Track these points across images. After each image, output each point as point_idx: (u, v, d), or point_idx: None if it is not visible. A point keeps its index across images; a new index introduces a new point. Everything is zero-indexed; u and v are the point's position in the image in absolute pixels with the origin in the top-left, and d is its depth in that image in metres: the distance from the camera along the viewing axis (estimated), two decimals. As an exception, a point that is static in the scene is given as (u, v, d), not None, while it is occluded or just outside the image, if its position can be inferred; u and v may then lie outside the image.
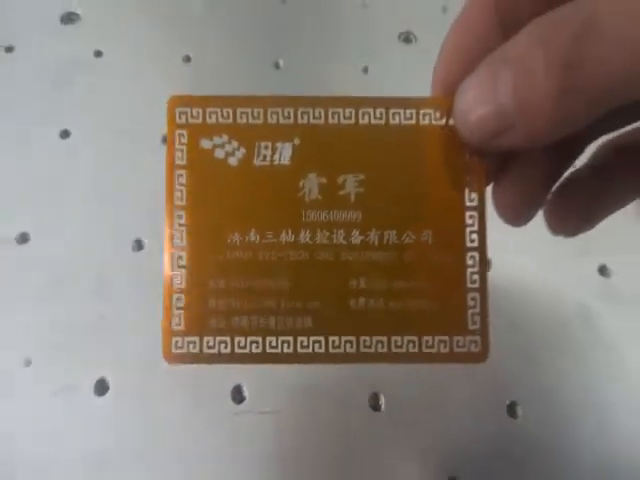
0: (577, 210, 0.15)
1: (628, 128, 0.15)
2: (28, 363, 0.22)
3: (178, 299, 0.13)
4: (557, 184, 0.15)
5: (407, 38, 0.30)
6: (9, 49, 0.28)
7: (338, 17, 0.30)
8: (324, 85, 0.26)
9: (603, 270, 0.25)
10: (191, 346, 0.13)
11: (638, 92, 0.10)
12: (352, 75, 0.26)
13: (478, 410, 0.23)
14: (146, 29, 0.29)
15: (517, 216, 0.14)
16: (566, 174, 0.15)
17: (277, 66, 0.27)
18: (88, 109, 0.26)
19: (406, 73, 0.28)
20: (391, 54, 0.29)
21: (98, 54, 0.28)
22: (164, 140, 0.20)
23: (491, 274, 0.13)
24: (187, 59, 0.27)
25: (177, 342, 0.13)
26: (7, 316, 0.22)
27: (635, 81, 0.10)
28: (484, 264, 0.13)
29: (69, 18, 0.29)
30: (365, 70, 0.28)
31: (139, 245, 0.23)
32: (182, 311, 0.13)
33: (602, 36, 0.10)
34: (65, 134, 0.26)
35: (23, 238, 0.24)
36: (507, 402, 0.23)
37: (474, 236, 0.13)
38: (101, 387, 0.22)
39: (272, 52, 0.27)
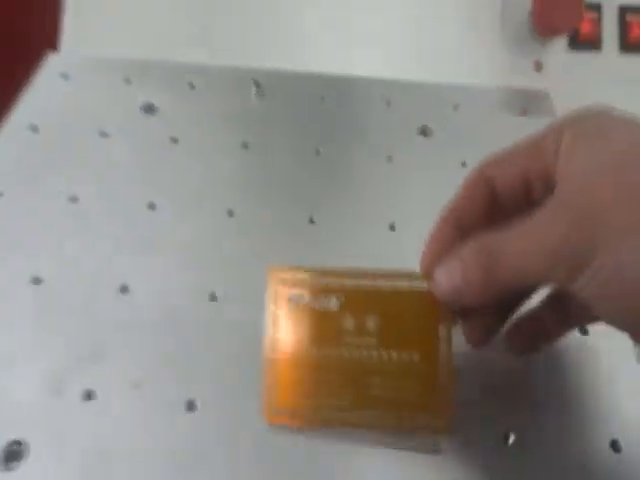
0: (525, 338, 0.24)
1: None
2: (137, 386, 0.28)
3: (275, 381, 0.23)
4: (513, 320, 0.24)
5: (424, 132, 0.37)
6: (103, 134, 0.36)
7: (365, 116, 0.38)
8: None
9: None
10: (284, 413, 0.23)
11: (524, 284, 0.19)
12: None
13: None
14: (207, 126, 0.37)
15: (479, 342, 0.23)
16: (521, 313, 0.24)
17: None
18: (169, 184, 0.34)
19: (425, 162, 0.36)
20: (412, 145, 0.37)
21: (174, 140, 0.36)
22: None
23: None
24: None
25: (275, 411, 0.23)
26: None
27: (521, 282, 0.19)
28: (452, 370, 0.22)
29: (149, 108, 0.37)
30: (389, 159, 0.36)
31: (212, 297, 0.31)
32: (279, 390, 0.23)
33: (501, 263, 0.19)
34: (151, 206, 0.33)
35: (124, 289, 0.31)
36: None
37: (445, 353, 0.22)
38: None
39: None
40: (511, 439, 0.25)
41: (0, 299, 0.28)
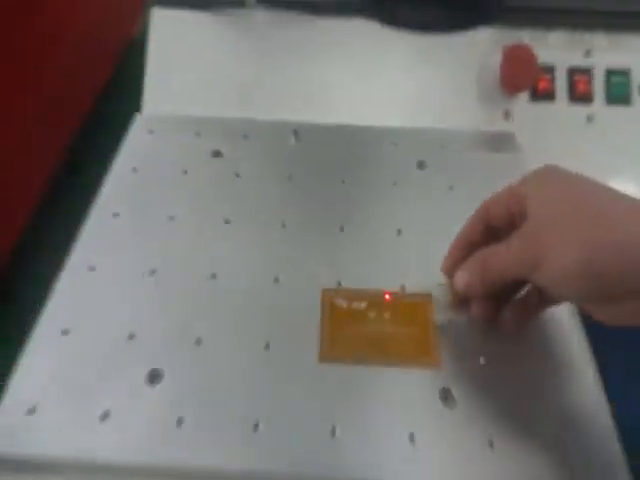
0: (517, 314, 0.36)
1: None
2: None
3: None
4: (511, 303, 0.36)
5: (421, 165, 0.50)
6: (185, 172, 0.49)
7: (377, 154, 0.51)
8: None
9: None
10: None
11: (506, 280, 0.32)
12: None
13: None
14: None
15: (488, 319, 0.35)
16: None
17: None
18: (235, 205, 0.47)
19: (422, 187, 0.48)
20: (412, 175, 0.49)
21: (237, 175, 0.49)
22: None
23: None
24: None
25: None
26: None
27: (503, 279, 0.32)
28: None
29: (217, 154, 0.51)
30: (395, 184, 0.49)
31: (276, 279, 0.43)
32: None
33: (489, 268, 0.32)
34: (227, 221, 0.46)
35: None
36: None
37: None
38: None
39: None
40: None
41: (124, 287, 0.40)
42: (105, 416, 0.33)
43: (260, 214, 0.45)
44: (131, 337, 0.37)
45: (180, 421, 0.33)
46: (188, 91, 0.56)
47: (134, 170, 0.49)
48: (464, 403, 0.34)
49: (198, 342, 0.37)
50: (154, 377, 0.35)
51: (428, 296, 0.39)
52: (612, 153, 0.53)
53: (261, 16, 0.57)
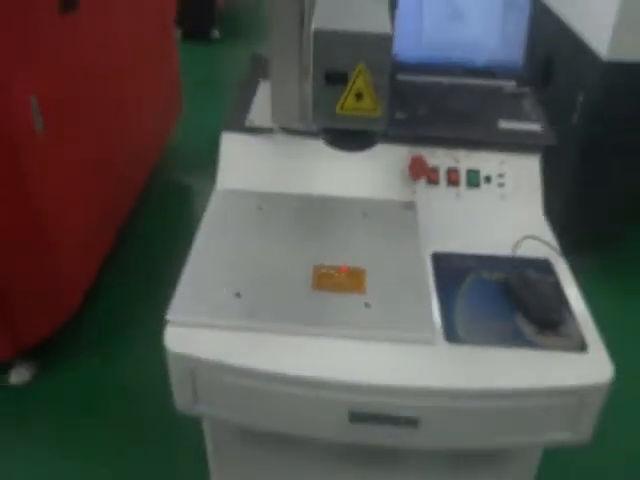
0: None
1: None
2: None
3: None
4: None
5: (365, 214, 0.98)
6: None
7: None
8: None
9: None
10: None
11: None
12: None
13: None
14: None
15: None
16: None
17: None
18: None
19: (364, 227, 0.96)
20: (360, 220, 0.97)
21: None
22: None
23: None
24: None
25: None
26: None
27: None
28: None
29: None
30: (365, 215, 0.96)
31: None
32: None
33: None
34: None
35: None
36: None
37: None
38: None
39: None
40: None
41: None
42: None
43: (284, 237, 0.93)
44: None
45: (253, 312, 0.78)
46: (240, 177, 1.04)
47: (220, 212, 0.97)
48: (375, 305, 0.80)
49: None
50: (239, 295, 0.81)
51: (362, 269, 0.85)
52: (470, 214, 1.01)
53: (281, 138, 1.07)
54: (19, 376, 1.71)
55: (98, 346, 1.82)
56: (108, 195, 1.91)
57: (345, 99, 0.69)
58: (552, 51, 2.15)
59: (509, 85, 1.19)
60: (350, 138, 0.75)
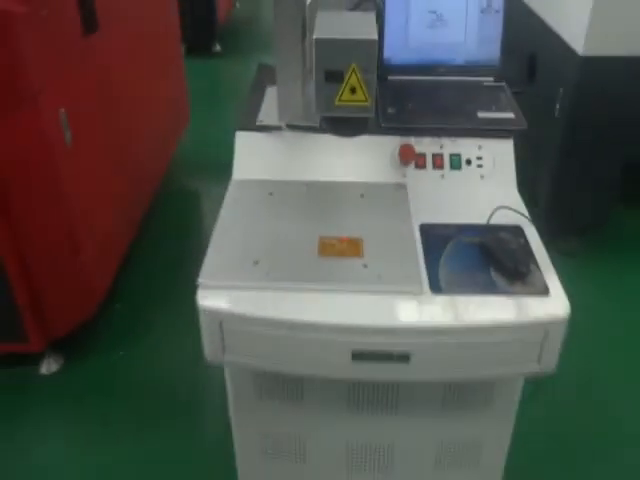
0: None
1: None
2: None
3: None
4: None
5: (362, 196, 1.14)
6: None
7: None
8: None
9: None
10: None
11: None
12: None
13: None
14: None
15: None
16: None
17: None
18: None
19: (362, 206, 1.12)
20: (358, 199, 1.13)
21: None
22: None
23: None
24: None
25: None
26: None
27: None
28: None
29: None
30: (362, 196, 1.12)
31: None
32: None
33: None
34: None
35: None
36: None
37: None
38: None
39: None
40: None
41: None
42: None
43: (293, 216, 1.09)
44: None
45: (269, 275, 0.94)
46: (252, 168, 1.21)
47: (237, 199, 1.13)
48: (371, 266, 0.95)
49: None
50: (257, 262, 0.97)
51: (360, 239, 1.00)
52: (453, 193, 1.17)
53: (287, 134, 1.23)
54: (48, 367, 1.87)
55: (117, 339, 1.98)
56: (125, 200, 2.08)
57: (342, 93, 0.86)
58: (536, 49, 2.32)
59: (487, 80, 1.35)
60: (347, 124, 0.92)
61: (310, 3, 0.97)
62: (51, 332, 1.79)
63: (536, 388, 1.60)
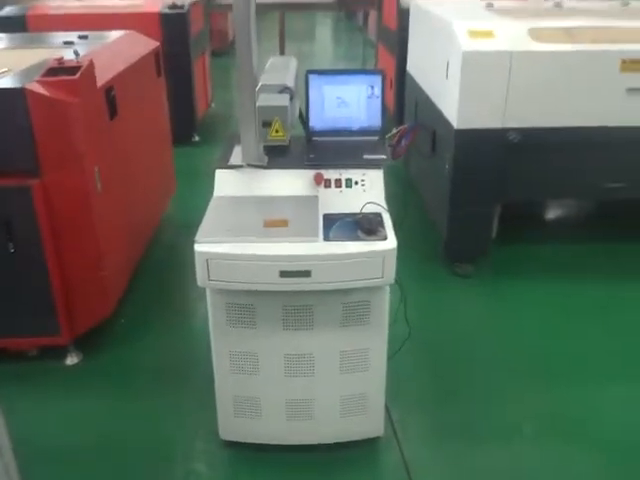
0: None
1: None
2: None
3: None
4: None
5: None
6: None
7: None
8: None
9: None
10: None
11: None
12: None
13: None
14: None
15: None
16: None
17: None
18: None
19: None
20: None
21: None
22: None
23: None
24: None
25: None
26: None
27: None
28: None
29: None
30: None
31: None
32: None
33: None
34: None
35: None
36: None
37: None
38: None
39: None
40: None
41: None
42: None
43: (252, 211, 1.92)
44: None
45: (237, 236, 1.75)
46: (226, 189, 2.03)
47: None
48: (292, 230, 1.77)
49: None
50: (228, 230, 1.78)
51: (287, 219, 1.82)
52: (346, 201, 2.01)
53: (248, 170, 2.07)
54: (72, 359, 2.58)
55: (129, 335, 2.71)
56: (132, 235, 2.89)
57: (271, 132, 1.72)
58: (435, 127, 3.28)
59: (373, 138, 2.24)
60: (275, 150, 1.78)
61: (257, 90, 1.86)
62: (76, 328, 2.52)
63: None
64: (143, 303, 2.96)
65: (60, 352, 2.57)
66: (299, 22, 11.89)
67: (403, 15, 4.47)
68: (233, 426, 2.03)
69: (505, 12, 3.40)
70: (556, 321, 2.84)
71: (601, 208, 3.93)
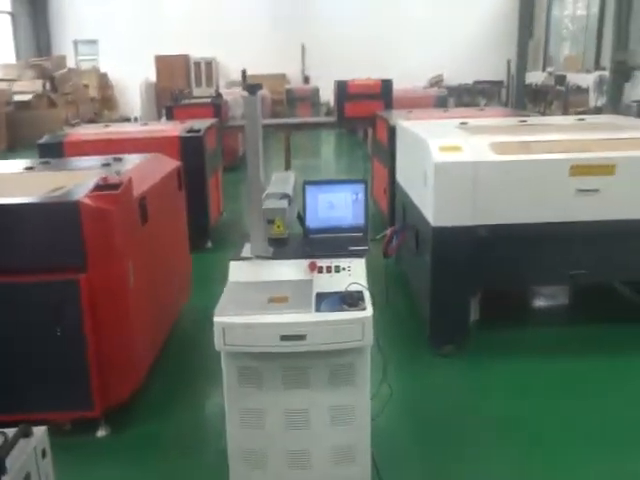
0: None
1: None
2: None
3: None
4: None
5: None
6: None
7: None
8: None
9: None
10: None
11: None
12: None
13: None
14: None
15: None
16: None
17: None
18: None
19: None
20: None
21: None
22: None
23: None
24: None
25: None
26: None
27: None
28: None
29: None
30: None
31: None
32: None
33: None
34: None
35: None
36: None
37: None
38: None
39: None
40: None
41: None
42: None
43: (258, 288, 2.43)
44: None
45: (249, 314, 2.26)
46: (240, 276, 2.55)
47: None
48: (291, 304, 2.27)
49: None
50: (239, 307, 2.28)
51: (287, 296, 2.33)
52: (333, 283, 2.51)
53: (256, 261, 2.60)
54: (103, 431, 2.98)
55: (154, 410, 3.13)
56: (156, 323, 3.39)
57: (274, 228, 2.28)
58: (418, 226, 3.85)
59: (358, 234, 2.79)
60: (277, 242, 2.32)
61: (264, 197, 2.44)
62: (108, 402, 2.94)
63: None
64: (167, 381, 3.40)
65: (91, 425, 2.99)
66: (305, 139, 13.04)
67: (392, 132, 5.22)
68: (243, 477, 2.42)
69: (475, 129, 4.09)
70: (522, 395, 3.26)
71: (584, 292, 4.41)
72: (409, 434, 2.98)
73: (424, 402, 3.19)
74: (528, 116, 5.51)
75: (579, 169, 3.39)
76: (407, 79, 15.84)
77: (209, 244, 5.98)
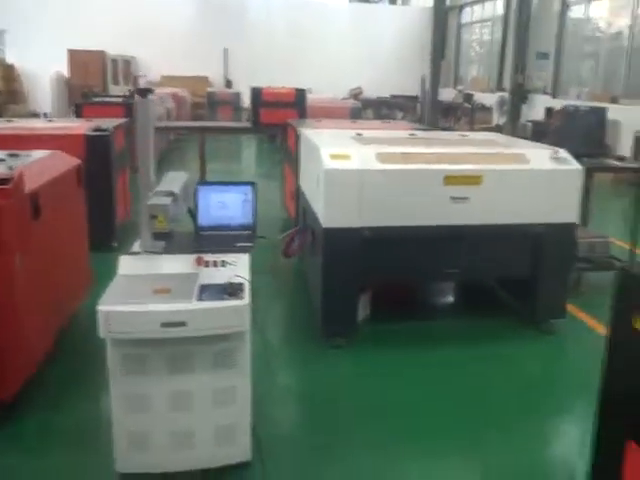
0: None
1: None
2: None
3: None
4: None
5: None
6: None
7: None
8: None
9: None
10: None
11: None
12: None
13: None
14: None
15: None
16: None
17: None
18: None
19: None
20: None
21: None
22: None
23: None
24: None
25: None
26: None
27: None
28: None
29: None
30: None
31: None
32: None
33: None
34: None
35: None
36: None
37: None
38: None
39: None
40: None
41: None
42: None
43: (144, 282, 2.58)
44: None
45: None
46: (128, 269, 2.69)
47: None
48: (174, 294, 2.44)
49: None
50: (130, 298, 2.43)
51: (169, 288, 2.49)
52: (221, 275, 2.70)
53: (145, 255, 2.74)
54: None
55: (52, 400, 3.18)
56: (48, 317, 3.44)
57: (157, 223, 2.45)
58: (314, 228, 4.09)
59: (245, 232, 3.00)
60: (160, 236, 2.49)
61: (151, 194, 2.60)
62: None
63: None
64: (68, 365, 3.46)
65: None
66: (226, 144, 13.12)
67: (299, 140, 5.47)
68: (127, 459, 2.54)
69: (367, 140, 4.40)
70: (404, 383, 3.57)
71: (467, 290, 4.81)
72: (295, 418, 3.21)
73: (311, 388, 3.43)
74: (425, 130, 5.92)
75: (452, 179, 3.75)
76: (329, 89, 16.30)
77: (115, 243, 5.99)
